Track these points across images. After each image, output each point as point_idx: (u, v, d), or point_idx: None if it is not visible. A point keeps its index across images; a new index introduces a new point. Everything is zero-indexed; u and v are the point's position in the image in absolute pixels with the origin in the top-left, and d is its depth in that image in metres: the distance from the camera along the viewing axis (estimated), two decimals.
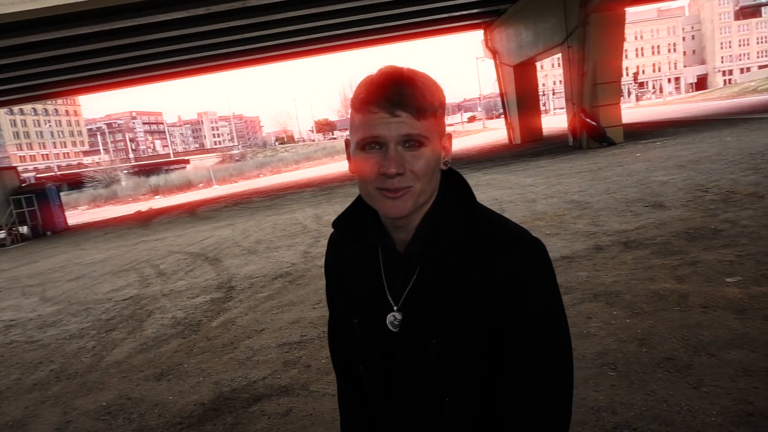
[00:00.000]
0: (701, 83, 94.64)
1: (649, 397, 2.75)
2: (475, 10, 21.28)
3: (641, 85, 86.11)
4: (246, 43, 18.92)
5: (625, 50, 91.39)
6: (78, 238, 16.82)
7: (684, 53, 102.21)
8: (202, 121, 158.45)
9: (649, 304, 3.97)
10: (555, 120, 41.38)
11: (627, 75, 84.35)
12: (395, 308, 0.96)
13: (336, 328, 1.16)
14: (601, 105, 16.63)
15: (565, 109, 19.66)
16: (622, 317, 3.82)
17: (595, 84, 16.55)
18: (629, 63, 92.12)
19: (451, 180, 0.99)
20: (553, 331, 0.91)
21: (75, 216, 29.25)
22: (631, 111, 40.54)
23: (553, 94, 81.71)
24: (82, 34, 14.14)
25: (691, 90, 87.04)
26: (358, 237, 1.03)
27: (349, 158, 0.95)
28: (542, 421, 0.88)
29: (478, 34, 26.28)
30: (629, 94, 70.33)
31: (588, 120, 16.77)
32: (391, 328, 0.96)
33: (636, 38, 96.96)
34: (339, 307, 1.09)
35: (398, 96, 0.86)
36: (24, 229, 19.52)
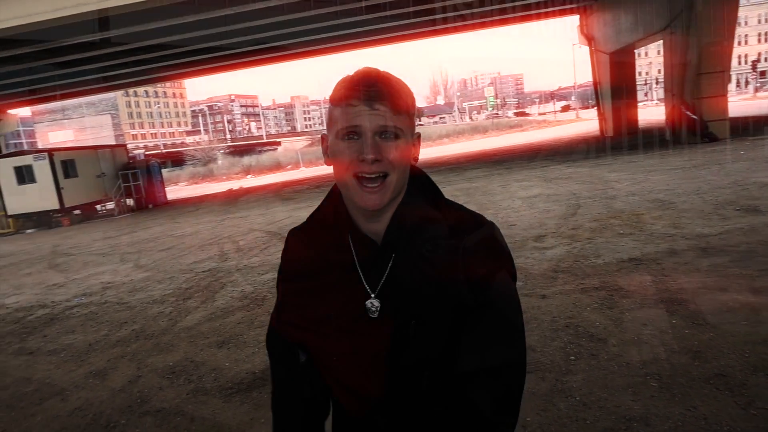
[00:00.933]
0: None
1: (689, 413, 2.61)
2: None
3: (762, 74, 77.63)
4: (335, 30, 19.38)
5: (746, 35, 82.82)
6: (174, 212, 18.26)
7: None
8: (294, 105, 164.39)
9: (713, 316, 3.70)
10: (656, 111, 38.53)
11: (746, 63, 76.50)
12: (373, 296, 1.02)
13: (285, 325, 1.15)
14: (705, 97, 15.30)
15: (664, 100, 18.30)
16: (681, 327, 3.60)
17: (699, 74, 15.25)
18: (749, 50, 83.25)
19: (419, 175, 1.07)
20: (507, 302, 1.01)
21: (175, 191, 31.67)
22: (746, 103, 36.85)
23: (657, 83, 75.96)
24: (188, 22, 15.26)
25: None
26: (329, 231, 1.07)
27: (325, 152, 1.02)
28: (495, 367, 0.98)
29: (575, 20, 25.01)
30: (747, 84, 63.79)
31: (688, 113, 15.52)
32: (369, 315, 1.02)
33: (759, 21, 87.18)
34: (313, 304, 1.07)
35: (377, 91, 0.95)
36: (130, 202, 21.50)
